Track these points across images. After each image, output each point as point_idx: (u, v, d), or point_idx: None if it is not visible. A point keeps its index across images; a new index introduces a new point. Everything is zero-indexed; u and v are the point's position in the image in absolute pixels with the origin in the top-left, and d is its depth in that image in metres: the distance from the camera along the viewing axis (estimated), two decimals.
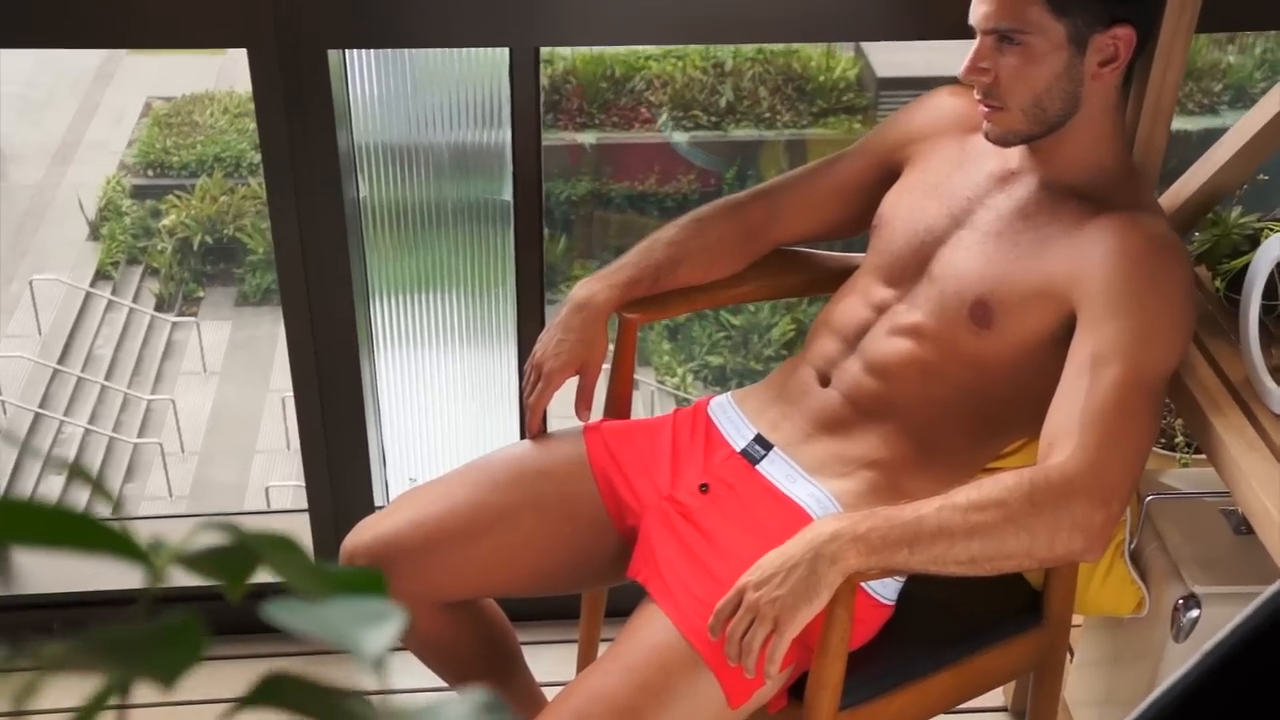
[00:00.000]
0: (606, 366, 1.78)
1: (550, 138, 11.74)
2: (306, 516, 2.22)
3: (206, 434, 11.05)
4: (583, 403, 1.72)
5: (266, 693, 0.43)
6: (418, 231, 2.08)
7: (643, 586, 1.56)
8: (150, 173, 13.02)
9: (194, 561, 0.45)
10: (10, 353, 11.05)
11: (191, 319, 12.09)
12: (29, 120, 13.86)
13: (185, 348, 12.02)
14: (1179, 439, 2.13)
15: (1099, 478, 1.37)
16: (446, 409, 2.31)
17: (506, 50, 1.86)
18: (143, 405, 11.21)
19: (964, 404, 1.57)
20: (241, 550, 0.46)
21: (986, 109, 1.54)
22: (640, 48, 12.85)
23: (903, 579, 1.56)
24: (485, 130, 1.98)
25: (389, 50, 1.87)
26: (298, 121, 1.78)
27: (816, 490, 1.57)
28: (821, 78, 12.31)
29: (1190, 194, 1.70)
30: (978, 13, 1.52)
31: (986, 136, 1.56)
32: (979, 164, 1.63)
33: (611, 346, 1.74)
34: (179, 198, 12.49)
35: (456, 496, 1.64)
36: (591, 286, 1.72)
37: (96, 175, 13.10)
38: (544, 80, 12.04)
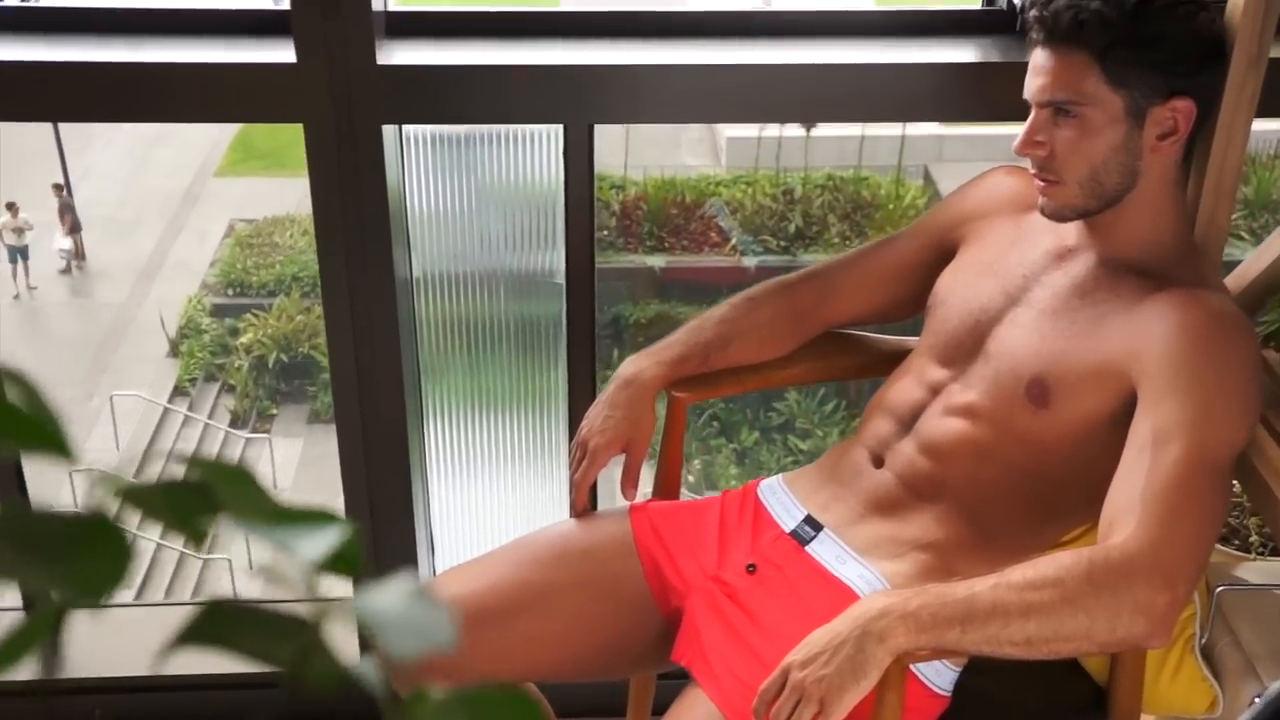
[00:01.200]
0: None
1: (620, 261, 11.85)
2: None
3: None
4: (629, 481, 1.68)
5: (209, 626, 0.40)
6: (472, 348, 2.10)
7: (686, 669, 1.51)
8: (230, 292, 13.30)
9: (142, 496, 0.43)
10: (89, 466, 11.21)
11: (264, 435, 12.23)
12: (118, 240, 14.29)
13: (258, 464, 12.13)
14: (1254, 538, 2.05)
15: (1161, 558, 1.31)
16: (497, 524, 2.29)
17: (562, 173, 1.88)
18: (199, 565, 11.26)
19: (1020, 486, 1.52)
20: (196, 486, 0.44)
21: (1042, 183, 1.51)
22: (711, 173, 13.01)
23: (958, 668, 1.49)
24: (541, 253, 2.00)
25: (449, 172, 1.91)
26: (351, 196, 1.79)
27: (867, 572, 1.52)
28: (890, 205, 12.37)
29: (1256, 274, 1.65)
30: (1032, 85, 1.50)
31: (1042, 211, 1.53)
32: (1035, 242, 1.59)
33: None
34: (257, 316, 12.72)
35: (498, 574, 1.61)
36: (639, 363, 1.70)
37: (179, 294, 13.42)
38: (615, 205, 12.22)
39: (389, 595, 0.38)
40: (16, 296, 13.65)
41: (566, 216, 1.92)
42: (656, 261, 11.96)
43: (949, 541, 1.53)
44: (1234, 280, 1.67)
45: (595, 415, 1.68)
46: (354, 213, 1.81)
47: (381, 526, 2.10)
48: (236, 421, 12.49)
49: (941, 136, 13.13)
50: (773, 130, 13.13)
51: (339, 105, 1.73)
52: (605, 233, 12.06)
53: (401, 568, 2.12)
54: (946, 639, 1.31)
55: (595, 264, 2.01)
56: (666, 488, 1.75)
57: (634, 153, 12.98)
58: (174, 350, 13.06)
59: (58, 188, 13.90)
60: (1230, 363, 1.41)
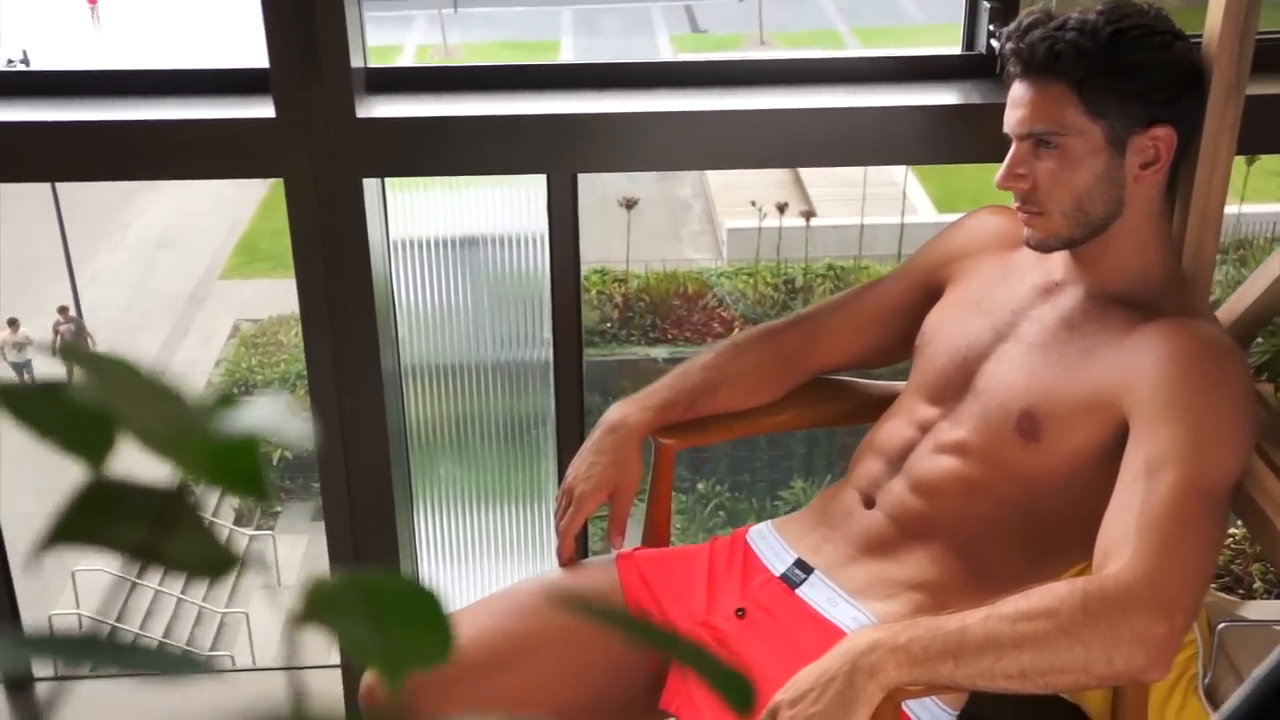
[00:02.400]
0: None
1: (623, 352, 11.87)
2: None
3: (280, 647, 10.98)
4: (615, 528, 1.65)
5: (83, 515, 0.38)
6: (461, 440, 2.11)
7: (675, 717, 1.46)
8: (235, 391, 13.30)
9: (20, 400, 0.39)
10: (90, 567, 11.14)
11: (268, 533, 12.17)
12: (124, 344, 14.33)
13: (262, 561, 12.05)
14: (1258, 585, 2.00)
15: (1158, 587, 1.27)
16: None
17: (548, 269, 1.89)
18: (217, 619, 11.19)
19: (1013, 522, 1.49)
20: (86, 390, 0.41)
21: (1026, 215, 1.50)
22: (711, 266, 13.08)
23: (955, 711, 1.45)
24: (530, 349, 2.04)
25: (439, 274, 1.95)
26: (332, 251, 1.78)
27: (859, 613, 1.48)
28: None
29: (1247, 306, 1.63)
30: (1012, 118, 1.49)
31: (1027, 243, 1.52)
32: (1022, 277, 1.58)
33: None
34: None
35: (481, 624, 1.57)
36: (624, 409, 1.67)
37: None
38: (617, 297, 12.27)
39: (262, 409, 0.36)
40: None
41: (552, 270, 1.91)
42: (660, 353, 11.98)
43: (942, 581, 1.49)
44: (1225, 313, 1.65)
45: (580, 462, 1.65)
46: (335, 268, 1.80)
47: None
48: (240, 519, 12.42)
49: (941, 224, 13.20)
50: (773, 221, 13.22)
51: (318, 159, 1.72)
52: (609, 325, 12.10)
53: None
54: (939, 673, 1.27)
55: (582, 329, 2.00)
56: (655, 535, 1.71)
57: (635, 247, 13.07)
58: None
59: (63, 310, 13.87)
60: (1223, 390, 1.38)
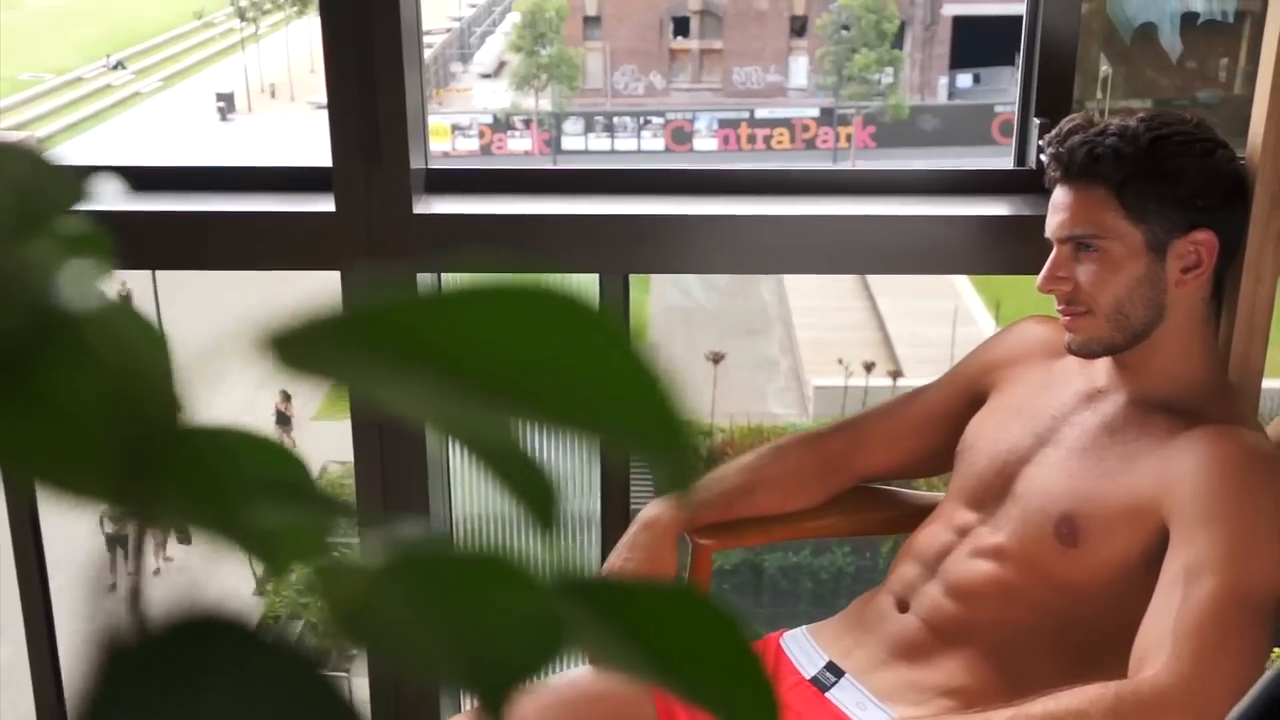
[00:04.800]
0: None
1: None
2: None
3: None
4: None
5: None
6: None
7: None
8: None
9: None
10: None
11: (343, 674, 12.15)
12: None
13: None
14: None
15: (1196, 695, 1.23)
16: None
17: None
18: None
19: (1050, 630, 1.45)
20: None
21: (1069, 316, 1.49)
22: (797, 422, 13.04)
23: None
24: (580, 498, 2.06)
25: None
26: None
27: (887, 717, 1.44)
28: None
29: None
30: (1053, 222, 1.50)
31: (1069, 348, 1.51)
32: (1065, 384, 1.57)
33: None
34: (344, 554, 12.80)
35: None
36: (659, 507, 1.66)
37: None
38: (702, 450, 12.25)
39: None
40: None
41: None
42: None
43: (974, 687, 1.45)
44: (1275, 428, 1.61)
45: (614, 558, 1.64)
46: None
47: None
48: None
49: None
50: (859, 380, 13.20)
51: (374, 254, 1.77)
52: None
53: None
54: None
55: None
56: None
57: (721, 400, 13.10)
58: (260, 589, 13.13)
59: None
60: (1265, 498, 1.35)
